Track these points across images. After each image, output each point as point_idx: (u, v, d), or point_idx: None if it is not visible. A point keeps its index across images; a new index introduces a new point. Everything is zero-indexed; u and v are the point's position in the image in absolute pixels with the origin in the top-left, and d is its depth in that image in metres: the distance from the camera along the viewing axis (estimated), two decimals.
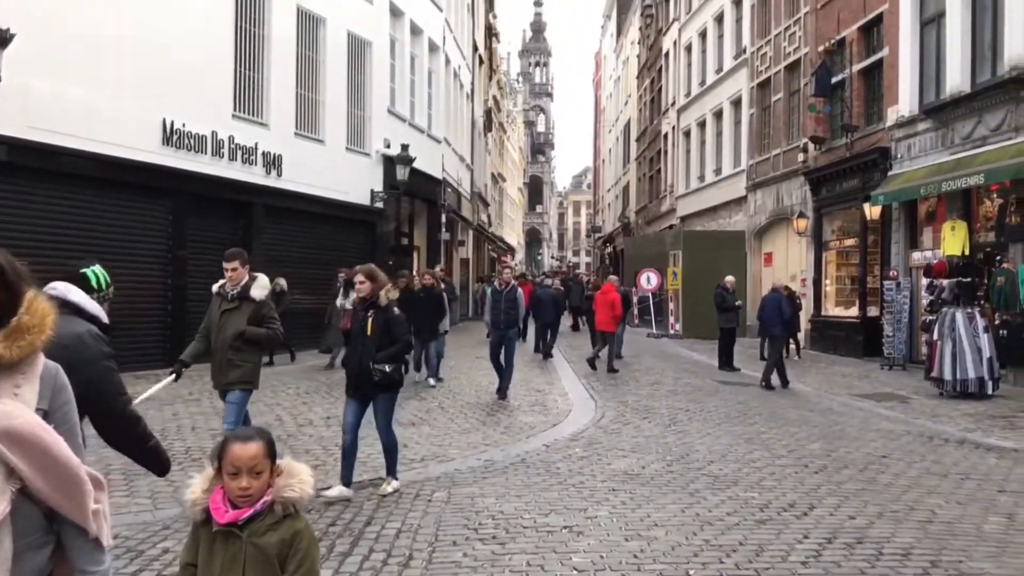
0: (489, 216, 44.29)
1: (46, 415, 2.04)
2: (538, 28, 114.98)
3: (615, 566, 4.88)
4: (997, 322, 13.40)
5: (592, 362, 15.44)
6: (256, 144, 16.44)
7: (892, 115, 17.91)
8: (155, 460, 3.33)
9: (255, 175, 16.45)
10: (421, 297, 12.83)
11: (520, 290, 13.03)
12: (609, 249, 57.83)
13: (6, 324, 2.02)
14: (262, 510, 2.38)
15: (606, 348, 15.40)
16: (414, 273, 14.62)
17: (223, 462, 2.40)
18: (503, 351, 11.96)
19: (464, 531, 5.54)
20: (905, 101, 17.41)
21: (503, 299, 12.24)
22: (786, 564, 4.93)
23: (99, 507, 2.07)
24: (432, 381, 12.64)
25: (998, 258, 14.21)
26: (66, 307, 2.99)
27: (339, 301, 13.74)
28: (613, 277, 17.52)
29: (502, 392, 11.65)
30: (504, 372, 11.87)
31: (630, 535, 5.49)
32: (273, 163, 16.95)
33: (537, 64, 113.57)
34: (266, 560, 2.35)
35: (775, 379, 13.53)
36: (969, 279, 13.54)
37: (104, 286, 3.73)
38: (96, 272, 3.73)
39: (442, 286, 14.12)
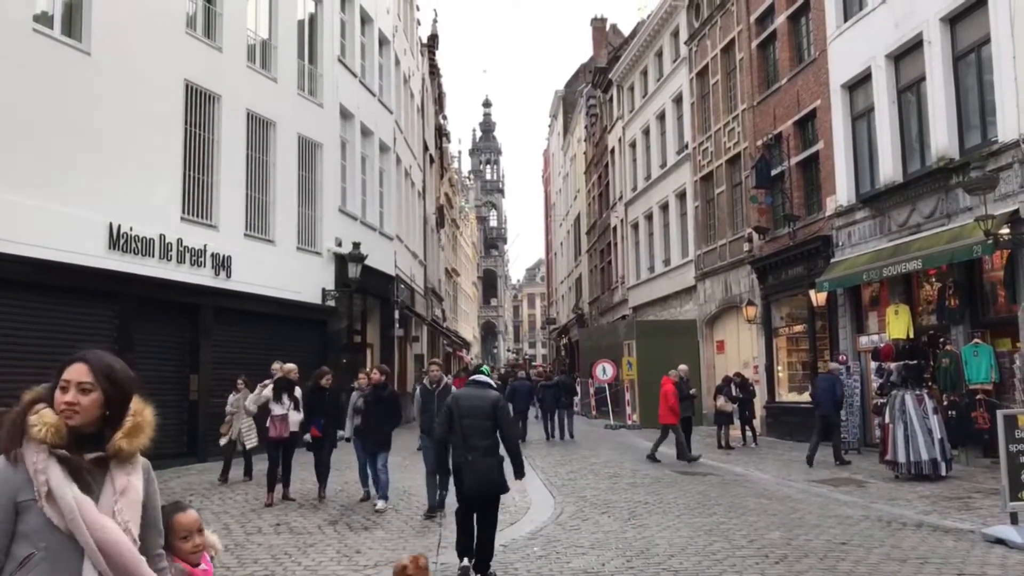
0: (443, 311, 44.32)
1: (146, 500, 2.51)
2: (487, 128, 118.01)
3: None
4: (945, 403, 13.61)
5: (652, 456, 15.43)
6: (205, 246, 16.33)
7: (831, 204, 18.53)
8: None
9: (204, 277, 16.28)
10: (369, 399, 10.71)
11: (454, 388, 9.61)
12: (564, 340, 58.02)
13: (121, 424, 2.46)
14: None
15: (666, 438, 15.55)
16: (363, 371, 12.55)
17: (172, 532, 2.88)
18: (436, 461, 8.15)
19: None
20: (842, 191, 18.07)
21: (435, 399, 9.76)
22: None
23: None
24: (380, 504, 10.34)
25: (941, 340, 14.56)
26: None
27: (249, 404, 12.38)
28: (673, 372, 16.75)
29: (439, 505, 9.00)
30: (441, 486, 8.42)
31: None
32: (222, 264, 16.82)
33: (488, 162, 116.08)
34: None
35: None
36: (916, 361, 13.81)
37: None
38: None
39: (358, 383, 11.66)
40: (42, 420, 2.37)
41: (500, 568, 7.28)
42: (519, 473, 7.30)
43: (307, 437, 11.18)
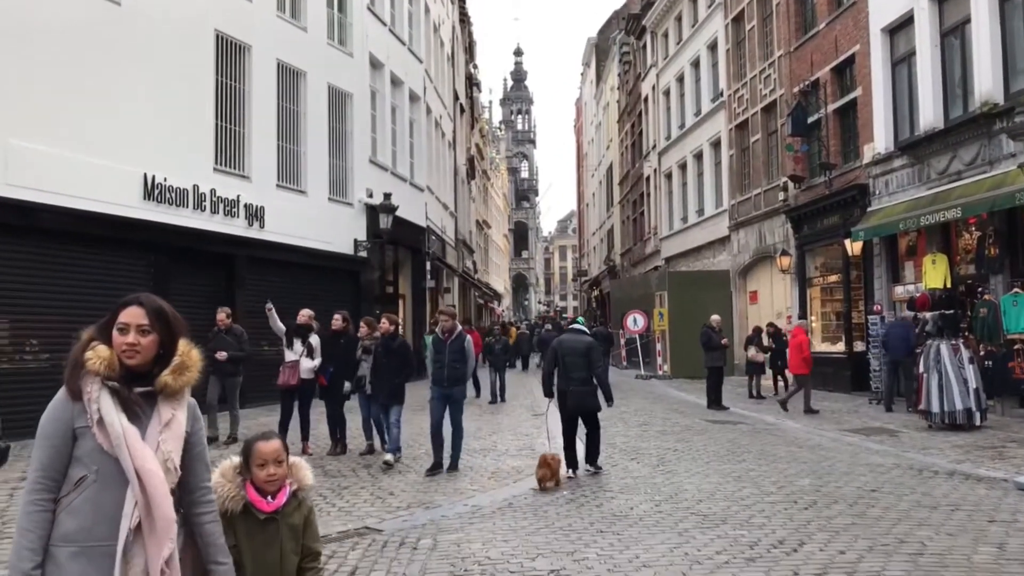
0: (475, 263, 44.40)
1: (187, 437, 2.65)
2: (519, 77, 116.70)
3: None
4: (981, 353, 13.44)
5: (784, 404, 15.34)
6: (238, 197, 16.47)
7: (868, 152, 18.16)
8: None
9: (237, 227, 16.45)
10: (379, 350, 10.08)
11: (469, 338, 9.96)
12: (596, 292, 57.97)
13: (169, 363, 2.63)
14: (289, 497, 3.06)
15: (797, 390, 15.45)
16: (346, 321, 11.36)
17: (250, 458, 3.03)
18: (448, 414, 9.58)
19: None
20: (880, 138, 17.68)
21: (447, 350, 9.55)
22: None
23: (167, 566, 2.53)
24: (389, 457, 9.73)
25: (979, 290, 14.32)
26: None
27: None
28: (802, 321, 17.03)
29: (450, 467, 9.40)
30: (453, 441, 9.58)
31: None
32: (255, 215, 16.97)
33: (519, 112, 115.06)
34: (295, 534, 3.05)
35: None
36: (952, 311, 13.62)
37: None
38: None
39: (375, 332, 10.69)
40: (97, 355, 2.56)
41: (531, 511, 7.40)
42: (609, 400, 9.45)
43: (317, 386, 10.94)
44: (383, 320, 10.28)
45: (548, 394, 9.77)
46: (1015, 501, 7.51)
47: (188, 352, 2.70)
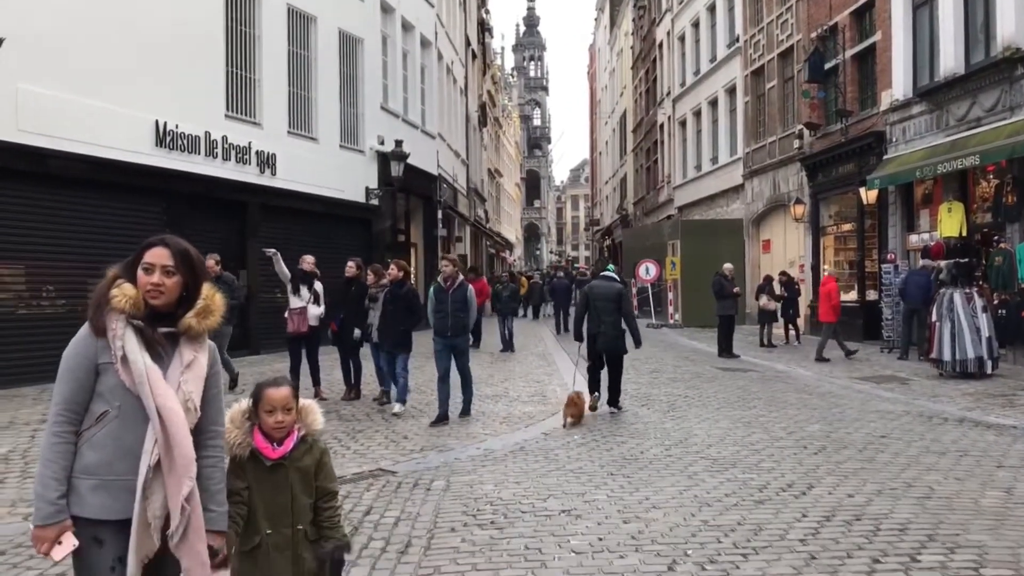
0: (486, 211, 44.28)
1: (208, 378, 2.69)
2: (531, 22, 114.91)
3: (613, 548, 4.87)
4: (995, 302, 13.39)
5: (820, 358, 15.13)
6: (250, 143, 16.42)
7: (886, 99, 17.88)
8: None
9: (249, 174, 16.43)
10: (386, 297, 9.97)
11: (471, 287, 9.79)
12: (608, 242, 57.82)
13: (192, 305, 2.66)
14: (297, 442, 3.04)
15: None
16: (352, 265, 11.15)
17: (259, 404, 3.00)
18: (455, 364, 9.54)
19: (463, 517, 5.54)
20: (899, 85, 17.38)
21: (448, 300, 9.40)
22: (784, 542, 4.92)
23: (187, 503, 2.57)
24: (397, 407, 9.67)
25: (995, 238, 14.20)
26: None
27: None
28: (832, 270, 17.03)
29: (464, 411, 9.50)
30: (463, 388, 9.63)
31: (628, 517, 5.48)
32: (267, 162, 16.93)
33: (531, 58, 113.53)
34: (306, 477, 3.05)
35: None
36: (967, 260, 13.53)
37: None
38: None
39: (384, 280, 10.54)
40: (122, 292, 2.59)
41: (542, 455, 7.50)
42: (637, 343, 10.05)
43: (328, 332, 10.86)
44: (392, 266, 10.11)
45: (578, 338, 10.14)
46: None
47: (212, 296, 2.73)
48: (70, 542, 2.50)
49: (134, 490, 2.51)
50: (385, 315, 9.88)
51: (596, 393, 9.87)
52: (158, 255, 2.62)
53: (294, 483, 3.01)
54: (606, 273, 10.57)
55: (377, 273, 10.51)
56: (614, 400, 9.87)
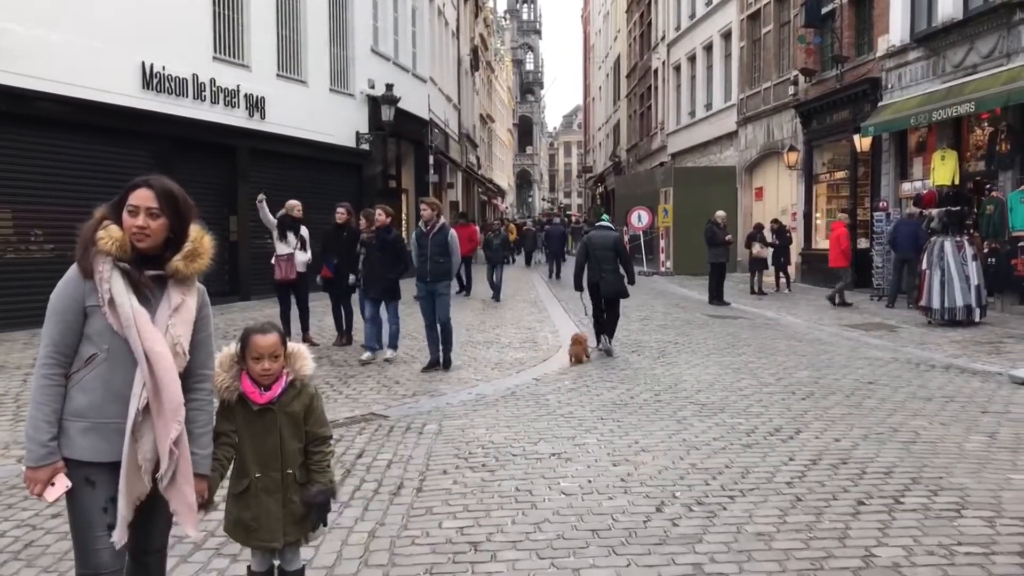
0: (478, 158, 43.93)
1: (196, 321, 2.68)
2: None
3: (602, 489, 4.95)
4: (985, 250, 13.43)
5: (832, 299, 15.56)
6: (238, 86, 16.18)
7: (883, 45, 17.68)
8: None
9: (238, 118, 16.22)
10: (372, 243, 9.73)
11: (452, 232, 9.36)
12: (600, 189, 57.58)
13: (180, 249, 2.62)
14: (286, 387, 3.00)
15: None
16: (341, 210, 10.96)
17: (246, 350, 2.95)
18: (435, 312, 9.22)
19: (454, 460, 5.60)
20: (896, 30, 17.17)
21: (429, 244, 9.14)
22: (771, 484, 5.01)
23: (176, 446, 2.58)
24: (389, 353, 9.68)
25: (988, 187, 14.18)
26: None
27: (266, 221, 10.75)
28: (842, 215, 16.93)
29: (444, 364, 9.15)
30: (442, 338, 9.25)
31: (617, 460, 5.56)
32: (256, 105, 16.70)
33: (524, 1, 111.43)
34: (295, 422, 3.02)
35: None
36: (958, 208, 13.52)
37: None
38: None
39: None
40: (109, 234, 2.55)
41: (533, 400, 7.57)
42: (631, 281, 10.67)
43: (318, 278, 10.74)
44: (378, 212, 9.85)
45: (579, 288, 10.58)
46: (1008, 393, 7.65)
47: (201, 238, 2.69)
48: (63, 483, 2.52)
49: (124, 432, 2.52)
50: (371, 262, 9.65)
51: (604, 336, 10.37)
52: (142, 197, 2.57)
53: (283, 428, 2.98)
54: (602, 223, 11.06)
55: (369, 218, 10.31)
56: (610, 335, 10.39)
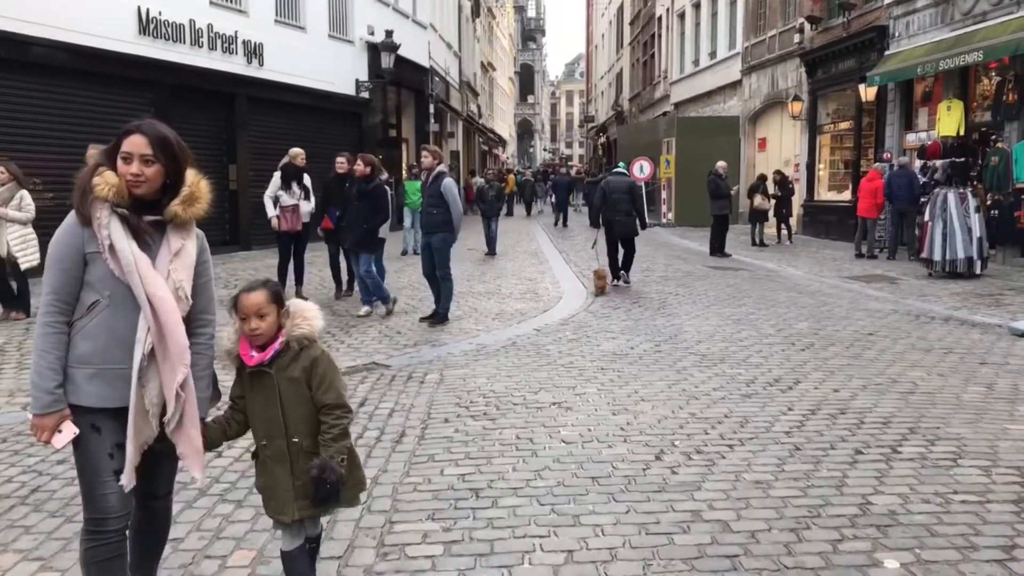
0: (479, 107, 43.48)
1: (196, 266, 2.68)
2: None
3: (602, 438, 4.99)
4: (989, 202, 13.37)
5: (865, 253, 15.54)
6: (236, 32, 15.95)
7: None
8: None
9: (236, 65, 16.03)
10: (352, 192, 9.40)
11: (447, 180, 8.85)
12: (602, 139, 57.09)
13: (178, 194, 2.61)
14: (280, 349, 2.81)
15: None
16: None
17: (236, 311, 2.82)
18: (433, 262, 8.99)
19: (456, 409, 5.65)
20: None
21: (425, 194, 9.05)
22: (769, 434, 5.05)
23: (182, 390, 2.59)
24: (364, 309, 9.39)
25: (993, 138, 14.07)
26: None
27: (266, 197, 10.30)
28: (878, 164, 16.77)
29: (436, 316, 8.89)
30: (441, 291, 8.97)
31: (617, 410, 5.60)
32: (254, 52, 16.49)
33: None
34: (297, 388, 2.82)
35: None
36: (963, 159, 13.42)
37: None
38: None
39: (384, 176, 10.51)
40: (105, 180, 2.53)
41: (534, 350, 7.60)
42: (643, 226, 12.18)
43: (319, 229, 10.42)
44: (358, 161, 9.43)
45: (595, 225, 12.09)
46: (1007, 345, 7.68)
47: (198, 183, 2.68)
48: (70, 430, 2.54)
49: (129, 378, 2.54)
50: (351, 212, 9.29)
51: (615, 281, 11.73)
52: (136, 143, 2.55)
53: (285, 394, 2.81)
54: (618, 169, 13.01)
55: (367, 162, 9.64)
56: (627, 268, 11.98)
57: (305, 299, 3.14)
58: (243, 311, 2.79)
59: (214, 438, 2.85)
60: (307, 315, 2.87)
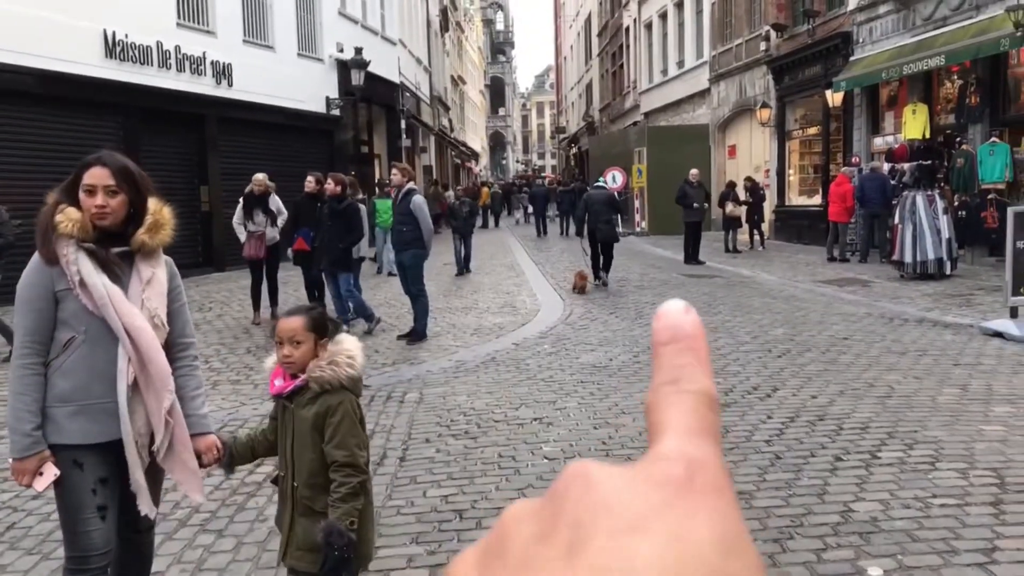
0: (451, 121, 43.54)
1: (169, 292, 2.69)
2: None
3: (584, 453, 5.00)
4: (956, 203, 13.58)
5: (836, 256, 15.58)
6: (204, 53, 15.86)
7: None
8: None
9: (205, 86, 15.93)
10: (324, 211, 9.26)
11: (416, 198, 8.82)
12: (574, 149, 57.35)
13: (142, 223, 2.61)
14: (302, 386, 2.63)
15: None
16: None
17: (274, 335, 2.72)
18: (405, 280, 9.02)
19: (437, 428, 5.63)
20: None
21: (395, 211, 9.09)
22: (750, 443, 5.08)
23: (170, 416, 2.58)
24: (363, 325, 9.31)
25: (958, 140, 14.30)
26: None
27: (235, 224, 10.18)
28: (846, 169, 16.79)
29: (414, 334, 8.81)
30: (413, 309, 9.00)
31: (598, 423, 5.61)
32: (223, 72, 16.40)
33: None
34: (307, 432, 2.62)
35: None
36: (929, 162, 13.63)
37: None
38: None
39: (357, 195, 10.51)
40: (67, 217, 2.52)
41: (512, 364, 7.60)
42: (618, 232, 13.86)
43: (288, 251, 10.07)
44: (328, 180, 9.36)
45: (580, 234, 13.70)
46: (979, 345, 7.79)
47: (160, 210, 2.68)
48: (51, 472, 2.51)
49: (113, 412, 2.52)
50: (324, 232, 9.14)
51: (602, 273, 13.17)
52: (98, 175, 2.54)
53: (296, 434, 2.63)
54: (599, 184, 14.68)
55: (336, 181, 9.59)
56: (607, 271, 13.27)
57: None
58: (279, 335, 2.65)
59: (241, 454, 2.82)
60: (338, 359, 2.63)
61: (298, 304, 2.84)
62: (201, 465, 2.73)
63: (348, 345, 2.69)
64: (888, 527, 3.78)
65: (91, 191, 2.53)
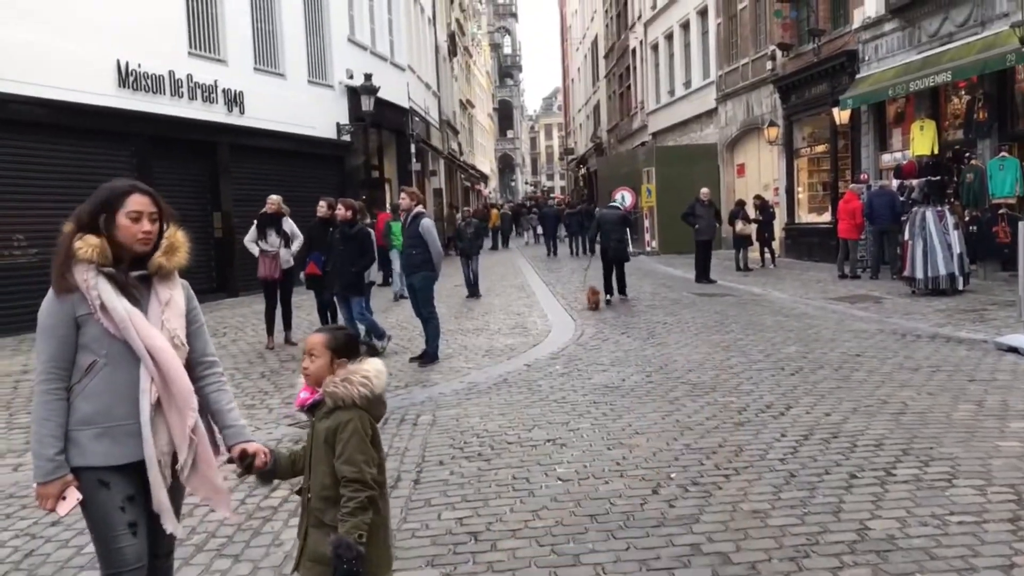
0: (460, 144, 43.78)
1: (188, 313, 2.75)
2: None
3: (598, 474, 4.99)
4: (967, 219, 13.55)
5: (848, 274, 15.58)
6: (215, 81, 16.05)
7: (859, 17, 17.72)
8: None
9: (217, 113, 16.11)
10: (336, 236, 9.36)
11: (424, 221, 9.05)
12: (583, 171, 57.53)
13: (158, 246, 2.67)
14: (319, 400, 2.69)
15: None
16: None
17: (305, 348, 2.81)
18: (415, 302, 9.24)
19: (450, 450, 5.63)
20: (871, 1, 17.21)
21: (405, 235, 9.33)
22: (764, 462, 5.06)
23: (194, 434, 2.63)
24: (379, 344, 9.41)
25: (967, 155, 14.29)
26: None
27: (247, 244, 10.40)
28: (854, 186, 16.72)
29: (426, 356, 8.91)
30: (424, 331, 9.16)
31: (612, 444, 5.60)
32: (234, 100, 16.58)
33: None
34: (322, 445, 2.65)
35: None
36: (938, 178, 13.61)
37: None
38: None
39: (366, 220, 10.69)
40: (87, 243, 2.58)
41: (525, 386, 7.60)
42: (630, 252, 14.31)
43: (301, 275, 10.21)
44: (339, 206, 9.46)
45: (592, 251, 14.39)
46: (994, 361, 7.75)
47: (175, 234, 2.75)
48: (74, 496, 2.54)
49: (136, 433, 2.57)
50: (335, 256, 9.27)
51: (609, 295, 13.47)
52: (141, 203, 2.63)
53: (314, 446, 2.68)
54: (612, 204, 15.52)
55: (348, 207, 9.58)
56: (622, 290, 13.86)
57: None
58: (305, 349, 2.77)
59: (283, 466, 2.82)
60: (352, 377, 2.65)
61: (333, 325, 2.85)
62: (255, 467, 2.74)
63: (367, 366, 2.71)
64: (905, 545, 3.76)
65: (137, 218, 2.61)
